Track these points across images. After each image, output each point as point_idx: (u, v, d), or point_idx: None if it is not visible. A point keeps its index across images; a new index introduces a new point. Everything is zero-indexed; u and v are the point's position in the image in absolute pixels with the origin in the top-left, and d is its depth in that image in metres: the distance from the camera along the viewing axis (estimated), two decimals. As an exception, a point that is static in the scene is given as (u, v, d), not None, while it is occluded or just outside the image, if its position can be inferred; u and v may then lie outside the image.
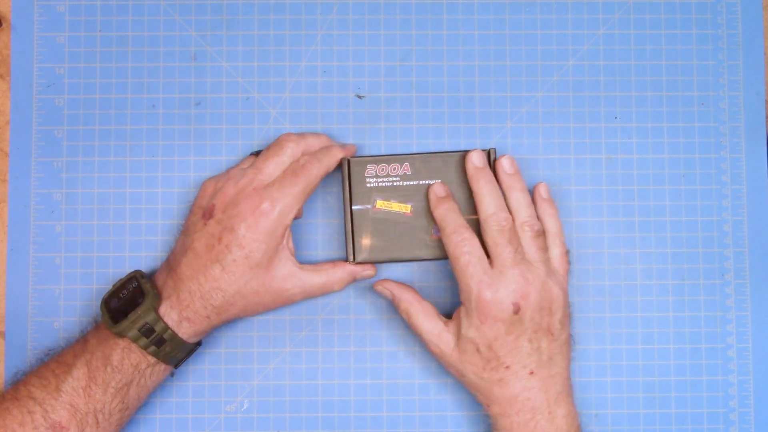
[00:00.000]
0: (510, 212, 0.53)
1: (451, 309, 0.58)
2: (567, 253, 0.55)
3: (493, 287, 0.51)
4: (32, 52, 0.59)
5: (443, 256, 0.56)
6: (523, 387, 0.51)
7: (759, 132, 0.59)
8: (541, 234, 0.54)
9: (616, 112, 0.59)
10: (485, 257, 0.52)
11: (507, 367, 0.51)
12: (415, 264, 0.59)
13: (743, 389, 0.58)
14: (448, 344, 0.53)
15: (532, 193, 0.56)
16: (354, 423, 0.58)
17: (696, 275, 0.59)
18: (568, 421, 0.52)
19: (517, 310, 0.51)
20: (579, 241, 0.59)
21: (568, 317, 0.54)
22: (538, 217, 0.55)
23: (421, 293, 0.58)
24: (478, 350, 0.52)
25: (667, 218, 0.59)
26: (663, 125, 0.59)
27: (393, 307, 0.57)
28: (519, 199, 0.54)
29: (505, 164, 0.55)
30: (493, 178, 0.54)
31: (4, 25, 0.59)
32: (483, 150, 0.56)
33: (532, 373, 0.51)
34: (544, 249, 0.54)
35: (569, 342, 0.54)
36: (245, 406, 0.58)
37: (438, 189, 0.55)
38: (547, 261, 0.53)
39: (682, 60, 0.60)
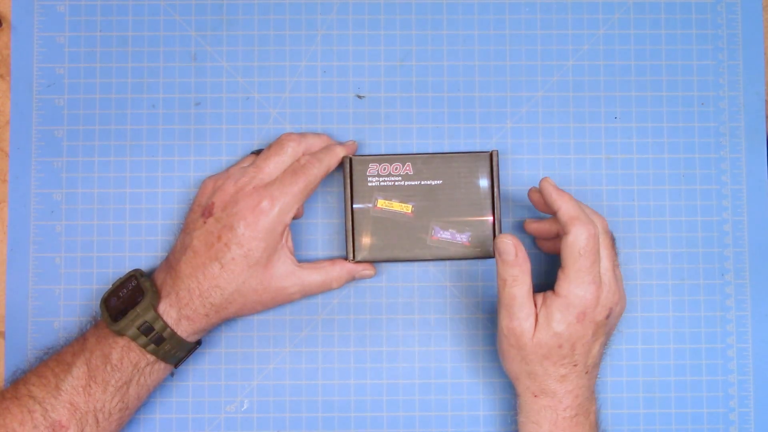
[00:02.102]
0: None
1: (451, 310, 0.58)
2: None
3: (600, 290, 0.50)
4: (32, 52, 0.59)
5: (443, 256, 0.56)
6: (578, 384, 0.52)
7: (759, 132, 0.59)
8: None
9: (616, 112, 0.59)
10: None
11: (575, 365, 0.51)
12: (415, 264, 0.59)
13: (743, 389, 0.58)
14: (530, 329, 0.51)
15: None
16: (354, 423, 0.58)
17: (696, 275, 0.59)
18: (597, 417, 0.54)
19: (608, 315, 0.51)
20: (579, 241, 0.59)
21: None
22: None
23: (420, 293, 0.59)
24: (560, 345, 0.50)
25: (667, 218, 0.59)
26: (663, 125, 0.59)
27: (394, 306, 0.57)
28: (593, 213, 0.54)
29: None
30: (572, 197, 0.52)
31: (4, 25, 0.59)
32: (485, 152, 0.56)
33: (587, 372, 0.52)
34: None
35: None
36: (245, 406, 0.58)
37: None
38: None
39: (682, 60, 0.60)
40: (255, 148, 0.59)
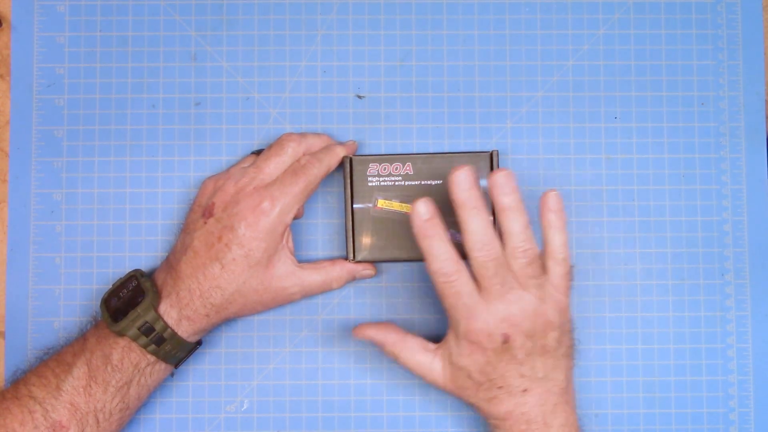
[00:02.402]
0: (501, 234, 0.50)
1: (451, 309, 0.58)
2: (571, 269, 0.52)
3: (482, 319, 0.49)
4: (32, 52, 0.59)
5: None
6: (516, 403, 0.51)
7: (759, 132, 0.59)
8: (536, 258, 0.50)
9: (616, 112, 0.59)
10: (474, 288, 0.50)
11: (500, 387, 0.51)
12: (414, 264, 0.59)
13: (743, 389, 0.58)
14: (439, 373, 0.52)
15: (539, 201, 0.51)
16: (354, 423, 0.58)
17: (696, 275, 0.59)
18: (565, 430, 0.51)
19: (506, 340, 0.49)
20: (579, 241, 0.59)
21: (567, 333, 0.52)
22: (544, 230, 0.51)
23: (420, 293, 0.58)
24: (470, 376, 0.51)
25: (667, 218, 0.59)
26: (663, 125, 0.59)
27: (394, 306, 0.58)
28: (512, 221, 0.50)
29: (499, 181, 0.50)
30: (480, 200, 0.49)
31: (4, 25, 0.59)
32: (485, 152, 0.56)
33: (525, 390, 0.50)
34: (539, 274, 0.50)
35: (570, 352, 0.52)
36: (245, 406, 0.58)
37: (421, 209, 0.49)
38: (541, 285, 0.50)
39: (682, 60, 0.60)
40: (255, 148, 0.59)
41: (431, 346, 0.53)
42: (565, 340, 0.52)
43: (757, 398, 0.58)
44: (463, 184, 0.49)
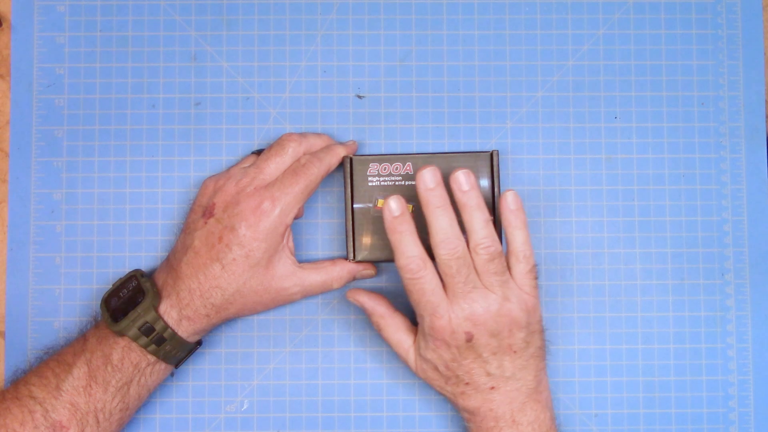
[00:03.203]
0: (464, 232, 0.51)
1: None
2: (534, 267, 0.52)
3: (445, 317, 0.50)
4: (32, 52, 0.59)
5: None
6: (484, 400, 0.52)
7: (759, 132, 0.60)
8: (498, 255, 0.50)
9: (616, 112, 0.59)
10: (440, 285, 0.50)
11: (467, 384, 0.52)
12: (415, 264, 0.59)
13: (743, 389, 0.58)
14: (413, 361, 0.54)
15: (499, 201, 0.52)
16: (354, 423, 0.58)
17: (696, 275, 0.59)
18: (535, 427, 0.52)
19: (469, 339, 0.50)
20: (579, 241, 0.59)
21: (535, 333, 0.52)
22: (505, 229, 0.52)
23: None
24: (436, 369, 0.52)
25: (667, 218, 0.59)
26: (663, 125, 0.59)
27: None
28: (474, 218, 0.50)
29: (458, 179, 0.50)
30: (446, 198, 0.50)
31: (4, 25, 0.59)
32: (485, 152, 0.56)
33: (493, 388, 0.51)
34: (502, 271, 0.50)
35: (540, 353, 0.53)
36: (245, 406, 0.58)
37: (393, 206, 0.50)
38: (505, 283, 0.51)
39: (682, 60, 0.60)
40: (255, 148, 0.59)
41: (414, 330, 0.54)
42: (533, 341, 0.52)
43: (757, 398, 0.58)
44: (428, 183, 0.50)
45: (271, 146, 0.55)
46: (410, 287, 0.51)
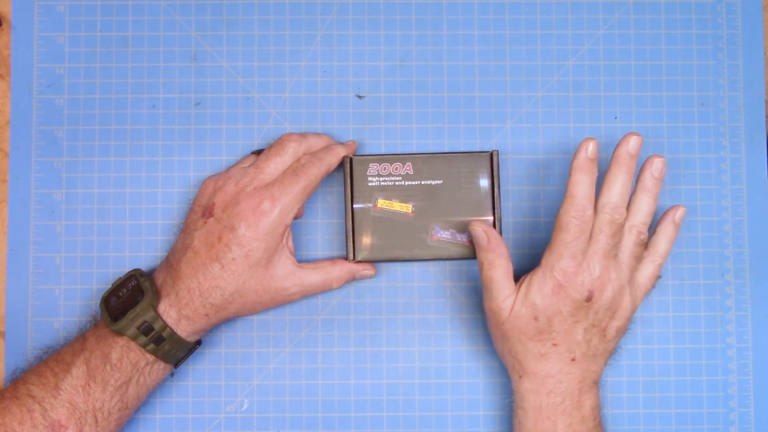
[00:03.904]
0: (628, 209, 0.53)
1: (451, 310, 0.58)
2: (658, 278, 0.54)
3: (581, 267, 0.51)
4: (32, 52, 0.59)
5: (443, 256, 0.56)
6: (560, 369, 0.52)
7: (759, 132, 0.59)
8: (644, 244, 0.53)
9: (616, 112, 0.59)
10: (587, 239, 0.51)
11: (554, 345, 0.52)
12: (415, 264, 0.59)
13: (743, 389, 0.58)
14: (508, 308, 0.52)
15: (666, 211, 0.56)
16: (354, 423, 0.58)
17: (696, 275, 0.59)
18: (595, 413, 0.52)
19: (589, 298, 0.51)
20: (579, 241, 0.59)
21: (624, 331, 0.54)
22: (656, 233, 0.54)
23: (420, 293, 0.58)
24: (536, 318, 0.52)
25: (667, 218, 0.59)
26: (663, 125, 0.59)
27: (394, 306, 0.58)
28: (644, 203, 0.53)
29: (656, 165, 0.53)
30: (634, 170, 0.52)
31: (4, 25, 0.59)
32: (485, 152, 0.56)
33: (574, 359, 0.52)
34: (638, 258, 0.53)
35: (613, 351, 0.54)
36: (245, 406, 0.58)
37: (591, 146, 0.51)
38: (634, 270, 0.53)
39: (682, 60, 0.60)
40: (255, 148, 0.59)
41: (515, 281, 0.54)
42: (620, 336, 0.54)
43: (757, 398, 0.58)
44: (632, 149, 0.52)
45: (271, 146, 0.55)
46: (569, 225, 0.51)
